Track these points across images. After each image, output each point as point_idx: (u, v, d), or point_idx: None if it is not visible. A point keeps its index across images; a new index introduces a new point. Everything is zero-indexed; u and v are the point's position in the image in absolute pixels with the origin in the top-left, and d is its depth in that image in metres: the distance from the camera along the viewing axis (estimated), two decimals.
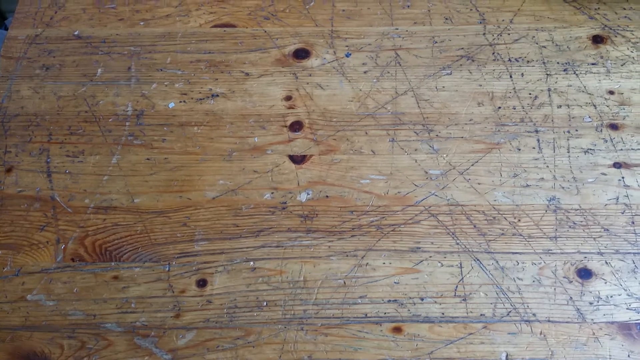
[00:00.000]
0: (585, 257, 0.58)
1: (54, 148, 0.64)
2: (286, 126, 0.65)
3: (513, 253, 0.58)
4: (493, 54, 0.69)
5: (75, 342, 0.55)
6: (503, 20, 0.72)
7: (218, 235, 0.59)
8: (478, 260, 0.58)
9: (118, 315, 0.56)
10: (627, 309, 0.56)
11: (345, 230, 0.59)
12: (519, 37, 0.70)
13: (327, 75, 0.68)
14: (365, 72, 0.68)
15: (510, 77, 0.68)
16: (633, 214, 0.60)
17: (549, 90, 0.67)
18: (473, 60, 0.69)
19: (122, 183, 0.62)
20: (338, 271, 0.58)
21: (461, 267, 0.58)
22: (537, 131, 0.64)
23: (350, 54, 0.70)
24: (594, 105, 0.66)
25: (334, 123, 0.65)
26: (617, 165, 0.62)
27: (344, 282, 0.57)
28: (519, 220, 0.60)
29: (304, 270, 0.58)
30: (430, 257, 0.58)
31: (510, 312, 0.56)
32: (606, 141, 0.64)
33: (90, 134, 0.65)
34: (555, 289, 0.56)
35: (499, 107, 0.66)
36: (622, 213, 0.60)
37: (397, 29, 0.71)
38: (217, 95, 0.67)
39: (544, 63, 0.68)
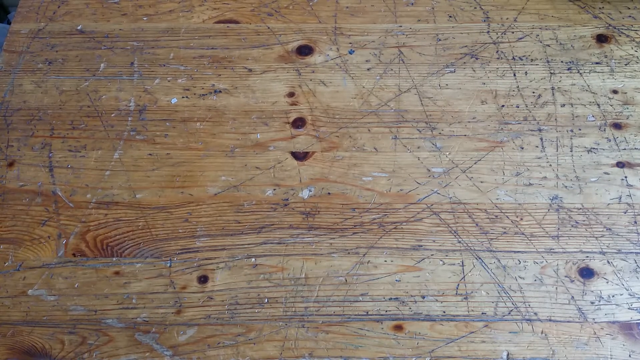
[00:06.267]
0: (587, 257, 0.58)
1: (56, 142, 0.64)
2: (289, 123, 0.65)
3: (515, 252, 0.58)
4: (497, 52, 0.69)
5: (76, 337, 0.55)
6: (507, 19, 0.71)
7: (220, 231, 0.59)
8: (480, 258, 0.58)
9: (119, 311, 0.56)
10: (628, 308, 0.56)
11: (347, 227, 0.59)
12: (523, 36, 0.70)
13: (330, 72, 0.68)
14: (368, 69, 0.68)
15: (514, 75, 0.67)
16: (635, 213, 0.60)
17: (553, 89, 0.67)
18: (477, 59, 0.69)
19: (124, 178, 0.62)
20: (339, 268, 0.58)
21: (463, 265, 0.58)
22: (540, 130, 0.64)
23: (353, 51, 0.70)
24: (598, 105, 0.66)
25: (337, 120, 0.65)
26: (620, 164, 0.62)
27: (346, 280, 0.57)
28: (521, 219, 0.59)
29: (305, 267, 0.58)
30: (432, 255, 0.58)
31: (511, 311, 0.56)
32: (609, 140, 0.63)
33: (93, 129, 0.65)
34: (557, 288, 0.56)
35: (503, 106, 0.66)
36: (625, 213, 0.60)
37: (401, 26, 0.71)
38: (220, 91, 0.67)
39: (547, 62, 0.68)
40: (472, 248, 0.58)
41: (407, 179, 0.62)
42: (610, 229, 0.59)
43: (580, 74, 0.68)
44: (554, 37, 0.70)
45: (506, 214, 0.60)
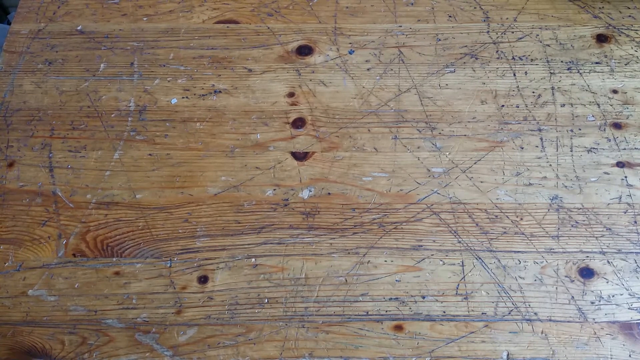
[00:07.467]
0: (587, 257, 0.58)
1: (56, 143, 0.64)
2: (289, 123, 0.65)
3: (515, 252, 0.58)
4: (497, 52, 0.69)
5: (76, 337, 0.55)
6: (507, 19, 0.71)
7: (220, 231, 0.59)
8: (480, 258, 0.58)
9: (119, 311, 0.56)
10: (628, 308, 0.56)
11: (347, 227, 0.59)
12: (523, 36, 0.70)
13: (330, 72, 0.68)
14: (368, 70, 0.68)
15: (514, 75, 0.67)
16: (635, 213, 0.60)
17: (553, 88, 0.67)
18: (477, 58, 0.69)
19: (124, 178, 0.62)
20: (339, 268, 0.58)
21: (463, 265, 0.58)
22: (540, 130, 0.64)
23: (353, 51, 0.70)
24: (598, 104, 0.66)
25: (337, 120, 0.65)
26: (620, 164, 0.62)
27: (346, 280, 0.57)
28: (521, 219, 0.59)
29: (305, 267, 0.58)
30: (432, 255, 0.58)
31: (511, 311, 0.56)
32: (609, 140, 0.63)
33: (93, 129, 0.65)
34: (557, 288, 0.56)
35: (502, 106, 0.66)
36: (625, 212, 0.60)
37: (401, 26, 0.71)
38: (220, 92, 0.67)
39: (547, 62, 0.68)
40: (472, 248, 0.58)
41: (407, 179, 0.62)
42: (610, 229, 0.59)
43: (580, 73, 0.68)
44: (553, 37, 0.70)
45: (506, 214, 0.60)
